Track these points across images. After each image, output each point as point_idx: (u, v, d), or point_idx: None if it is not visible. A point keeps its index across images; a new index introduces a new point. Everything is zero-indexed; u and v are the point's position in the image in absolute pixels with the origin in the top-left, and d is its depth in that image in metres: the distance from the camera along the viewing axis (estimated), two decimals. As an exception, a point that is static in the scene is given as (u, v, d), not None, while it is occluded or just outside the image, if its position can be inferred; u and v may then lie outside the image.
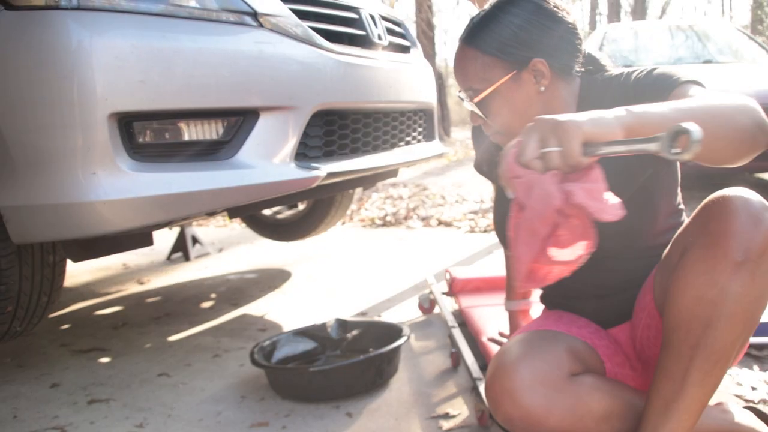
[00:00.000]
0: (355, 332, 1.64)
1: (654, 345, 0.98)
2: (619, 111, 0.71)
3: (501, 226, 1.10)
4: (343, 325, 1.65)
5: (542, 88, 0.96)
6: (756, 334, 1.58)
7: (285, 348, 1.59)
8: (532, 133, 0.72)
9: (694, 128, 0.59)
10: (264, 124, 1.38)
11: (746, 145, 0.77)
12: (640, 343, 1.02)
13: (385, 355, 1.43)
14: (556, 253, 0.70)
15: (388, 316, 1.99)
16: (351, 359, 1.41)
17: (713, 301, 0.80)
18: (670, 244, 0.93)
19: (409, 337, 1.50)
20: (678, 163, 1.00)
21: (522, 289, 0.82)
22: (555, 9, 0.96)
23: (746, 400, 1.30)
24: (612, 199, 0.68)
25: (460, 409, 1.33)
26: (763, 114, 0.77)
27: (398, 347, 1.46)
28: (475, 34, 0.98)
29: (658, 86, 0.90)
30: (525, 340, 0.96)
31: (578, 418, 0.88)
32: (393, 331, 1.56)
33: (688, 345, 0.82)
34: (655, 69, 0.94)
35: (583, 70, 1.02)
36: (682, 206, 1.08)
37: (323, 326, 1.65)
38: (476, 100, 0.98)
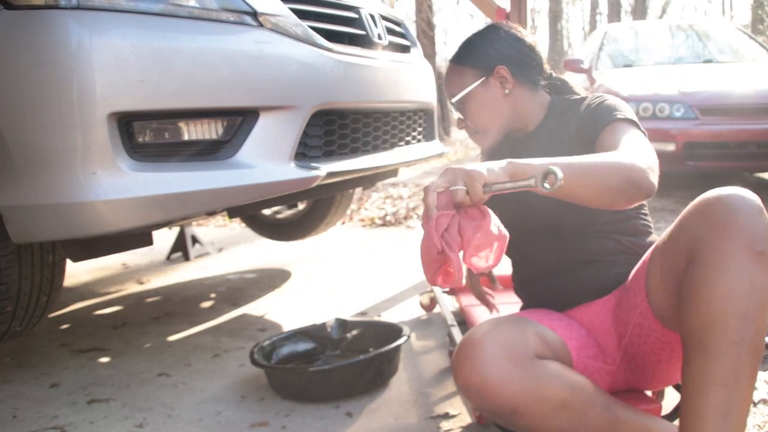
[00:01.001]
0: (355, 332, 1.64)
1: (644, 342, 1.01)
2: (504, 163, 0.90)
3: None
4: (342, 324, 1.65)
5: (507, 91, 1.18)
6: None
7: (285, 348, 1.59)
8: (445, 175, 0.88)
9: (558, 171, 0.82)
10: (264, 124, 1.37)
11: (618, 196, 0.94)
12: (630, 339, 1.03)
13: (384, 355, 1.43)
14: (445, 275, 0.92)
15: (388, 316, 1.99)
16: (351, 359, 1.41)
17: (746, 293, 0.79)
18: (662, 248, 0.94)
19: (409, 336, 1.50)
20: None
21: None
22: (516, 32, 1.22)
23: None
24: (490, 252, 0.90)
25: (460, 409, 1.32)
26: (641, 173, 0.94)
27: (398, 347, 1.47)
28: (458, 53, 1.23)
29: (599, 118, 1.09)
30: (496, 320, 1.01)
31: (534, 399, 0.89)
32: (393, 331, 1.56)
33: (729, 342, 0.79)
34: (605, 100, 1.12)
35: (545, 83, 1.23)
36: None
37: (323, 326, 1.65)
38: (454, 100, 1.20)
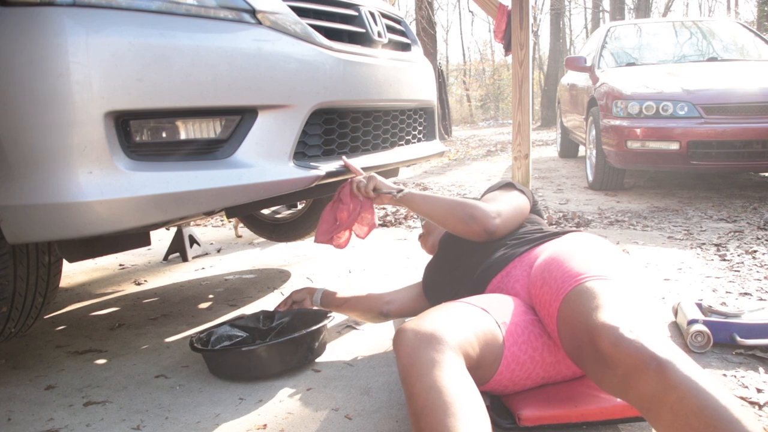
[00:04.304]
0: (283, 320, 1.75)
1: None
2: (402, 186, 1.50)
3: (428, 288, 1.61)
4: (270, 316, 1.76)
5: None
6: (761, 336, 1.56)
7: (222, 338, 1.68)
8: (359, 179, 1.53)
9: (405, 190, 1.48)
10: (262, 123, 1.36)
11: (462, 224, 1.40)
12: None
13: (311, 334, 1.57)
14: (341, 234, 1.60)
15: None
16: (281, 338, 1.53)
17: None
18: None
19: (332, 318, 1.63)
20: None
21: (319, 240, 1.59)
22: None
23: (751, 403, 1.28)
24: (365, 228, 1.59)
25: (461, 413, 1.31)
26: (483, 213, 1.38)
27: (322, 327, 1.60)
28: None
29: (487, 191, 1.58)
30: (458, 309, 1.16)
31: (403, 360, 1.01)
32: (318, 316, 1.67)
33: None
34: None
35: None
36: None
37: (253, 317, 1.76)
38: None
